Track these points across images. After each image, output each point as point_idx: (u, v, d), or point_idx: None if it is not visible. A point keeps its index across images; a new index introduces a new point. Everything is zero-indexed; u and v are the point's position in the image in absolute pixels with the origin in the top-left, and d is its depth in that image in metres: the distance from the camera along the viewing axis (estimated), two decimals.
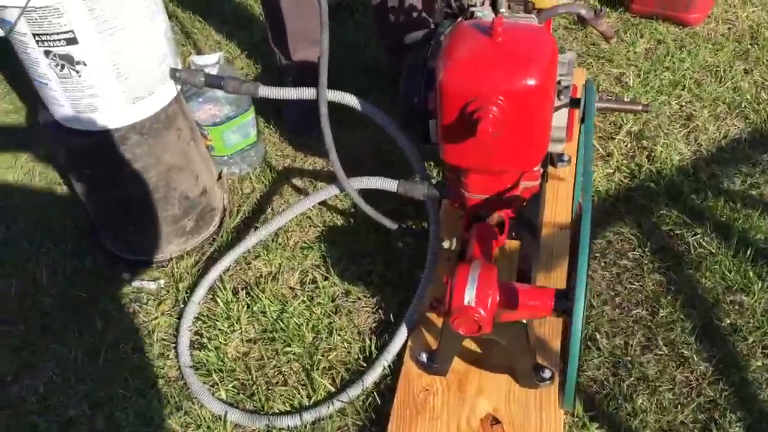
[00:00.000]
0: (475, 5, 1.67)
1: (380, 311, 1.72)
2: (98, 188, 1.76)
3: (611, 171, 2.01)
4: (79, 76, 1.52)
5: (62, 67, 1.51)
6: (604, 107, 1.66)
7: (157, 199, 1.77)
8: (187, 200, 1.84)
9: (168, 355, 1.69)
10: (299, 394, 1.57)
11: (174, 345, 1.70)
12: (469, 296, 1.31)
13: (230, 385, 1.61)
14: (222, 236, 1.95)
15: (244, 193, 2.08)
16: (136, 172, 1.70)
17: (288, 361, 1.64)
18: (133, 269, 1.89)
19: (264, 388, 1.59)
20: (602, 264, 1.77)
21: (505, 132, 1.32)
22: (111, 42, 1.50)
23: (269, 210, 2.02)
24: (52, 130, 1.67)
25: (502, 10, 1.71)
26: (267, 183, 2.10)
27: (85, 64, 1.50)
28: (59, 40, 1.45)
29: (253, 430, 1.53)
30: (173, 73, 1.65)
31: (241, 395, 1.59)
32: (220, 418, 1.53)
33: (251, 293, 1.78)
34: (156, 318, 1.77)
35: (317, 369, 1.61)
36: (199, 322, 1.74)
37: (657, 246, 1.79)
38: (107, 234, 1.90)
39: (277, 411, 1.55)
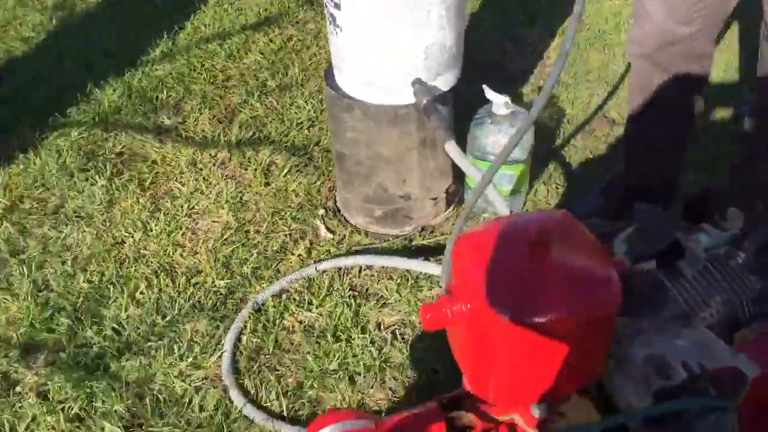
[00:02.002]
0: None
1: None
2: (335, 134, 1.94)
3: None
4: (336, 37, 1.68)
5: (330, 22, 1.68)
6: None
7: (358, 172, 1.89)
8: (383, 192, 1.90)
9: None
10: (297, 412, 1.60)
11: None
12: None
13: (248, 345, 1.74)
14: (402, 242, 1.97)
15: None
16: (349, 140, 1.83)
17: (310, 385, 1.65)
18: (331, 214, 2.07)
19: (264, 381, 1.68)
20: None
21: (466, 341, 1.07)
22: (362, 28, 1.60)
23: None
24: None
25: None
26: None
27: (342, 30, 1.65)
28: (330, 0, 1.62)
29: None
30: (414, 84, 1.68)
31: (253, 363, 1.70)
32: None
33: (348, 301, 1.81)
34: (294, 255, 1.95)
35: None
36: (302, 284, 1.87)
37: None
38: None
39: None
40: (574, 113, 2.41)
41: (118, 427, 1.57)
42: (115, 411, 1.59)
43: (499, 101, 1.84)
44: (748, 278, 1.22)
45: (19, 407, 1.61)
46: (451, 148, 1.54)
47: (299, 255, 1.96)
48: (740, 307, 1.21)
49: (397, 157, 1.82)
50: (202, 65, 2.71)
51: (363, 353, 1.70)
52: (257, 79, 2.63)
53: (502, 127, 1.87)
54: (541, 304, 0.99)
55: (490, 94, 1.85)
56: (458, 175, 2.00)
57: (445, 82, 1.74)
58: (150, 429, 1.57)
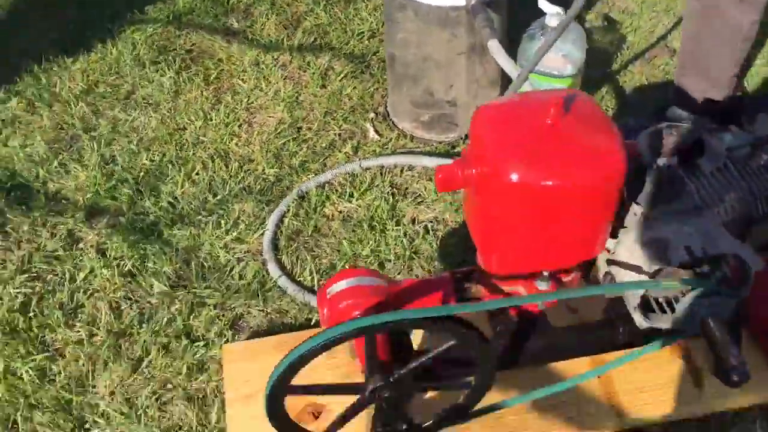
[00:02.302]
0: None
1: None
2: (387, 35, 2.00)
3: None
4: None
5: None
6: None
7: (407, 74, 1.95)
8: (430, 96, 1.96)
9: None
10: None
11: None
12: (336, 288, 1.27)
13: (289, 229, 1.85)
14: (445, 148, 2.03)
15: None
16: (400, 41, 1.89)
17: (342, 266, 1.77)
18: (381, 118, 2.15)
19: (300, 259, 1.79)
20: None
21: (475, 207, 1.14)
22: None
23: None
24: None
25: None
26: None
27: None
28: None
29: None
30: None
31: (292, 243, 1.82)
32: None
33: (386, 197, 1.89)
34: (341, 153, 2.04)
35: None
36: (346, 178, 1.96)
37: None
38: None
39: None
40: (635, 41, 2.39)
41: (165, 285, 1.72)
42: (164, 271, 1.74)
43: (552, 11, 1.86)
44: (765, 177, 1.24)
45: (80, 260, 1.78)
46: (493, 45, 1.59)
47: (346, 153, 2.05)
48: (754, 204, 1.23)
49: (446, 61, 1.87)
50: None
51: (395, 243, 1.79)
52: None
53: None
54: (545, 170, 1.05)
55: (543, 4, 1.87)
56: (507, 88, 2.04)
57: None
58: (193, 290, 1.71)
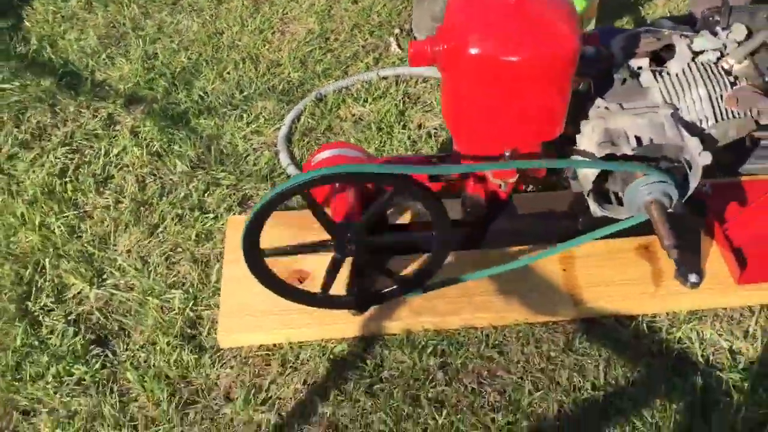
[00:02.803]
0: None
1: None
2: None
3: None
4: None
5: None
6: None
7: None
8: None
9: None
10: None
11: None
12: (320, 156, 1.41)
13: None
14: None
15: None
16: None
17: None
18: (405, 34, 2.25)
19: (309, 152, 1.94)
20: None
21: (444, 85, 1.25)
22: None
23: None
24: None
25: None
26: None
27: None
28: None
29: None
30: None
31: (304, 138, 1.96)
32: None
33: (398, 104, 2.01)
34: (363, 63, 2.16)
35: None
36: (363, 85, 2.09)
37: None
38: None
39: None
40: None
41: (187, 165, 1.89)
42: (187, 154, 1.91)
43: None
44: (725, 80, 1.30)
45: (115, 139, 1.97)
46: None
47: (367, 63, 2.16)
48: (711, 106, 1.29)
49: None
50: None
51: (399, 144, 1.91)
52: None
53: None
54: (501, 44, 1.14)
55: None
56: None
57: None
58: (211, 172, 1.88)
